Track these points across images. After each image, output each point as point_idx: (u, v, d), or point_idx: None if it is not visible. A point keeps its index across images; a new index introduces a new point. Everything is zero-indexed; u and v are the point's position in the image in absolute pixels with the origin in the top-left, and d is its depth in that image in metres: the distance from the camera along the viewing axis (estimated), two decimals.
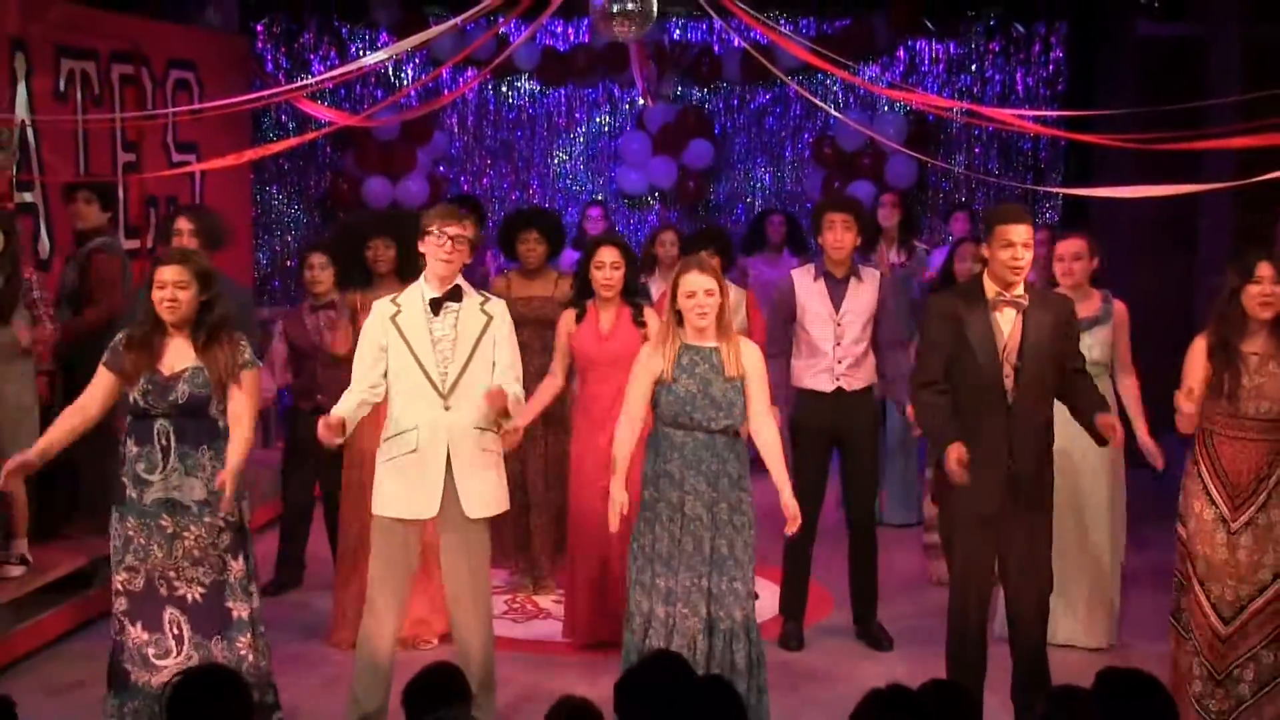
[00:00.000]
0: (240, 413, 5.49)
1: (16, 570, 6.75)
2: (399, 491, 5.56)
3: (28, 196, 8.25)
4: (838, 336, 6.76)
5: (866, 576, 6.94)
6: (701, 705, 3.96)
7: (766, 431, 5.63)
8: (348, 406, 5.52)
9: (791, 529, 5.54)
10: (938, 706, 3.68)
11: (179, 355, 5.49)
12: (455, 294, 5.58)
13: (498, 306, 5.69)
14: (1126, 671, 3.99)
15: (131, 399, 5.46)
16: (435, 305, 5.55)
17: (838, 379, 6.78)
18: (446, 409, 5.51)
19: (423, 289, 5.59)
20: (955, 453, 5.38)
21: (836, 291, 6.78)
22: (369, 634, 5.67)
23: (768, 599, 6.96)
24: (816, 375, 6.78)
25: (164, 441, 5.48)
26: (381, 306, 5.63)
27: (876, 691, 3.64)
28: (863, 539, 6.94)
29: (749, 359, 5.63)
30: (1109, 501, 6.68)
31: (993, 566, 5.75)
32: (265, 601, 5.84)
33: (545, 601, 7.47)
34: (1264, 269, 5.51)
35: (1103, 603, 6.70)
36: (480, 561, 5.69)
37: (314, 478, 7.50)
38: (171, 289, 5.44)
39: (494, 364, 5.58)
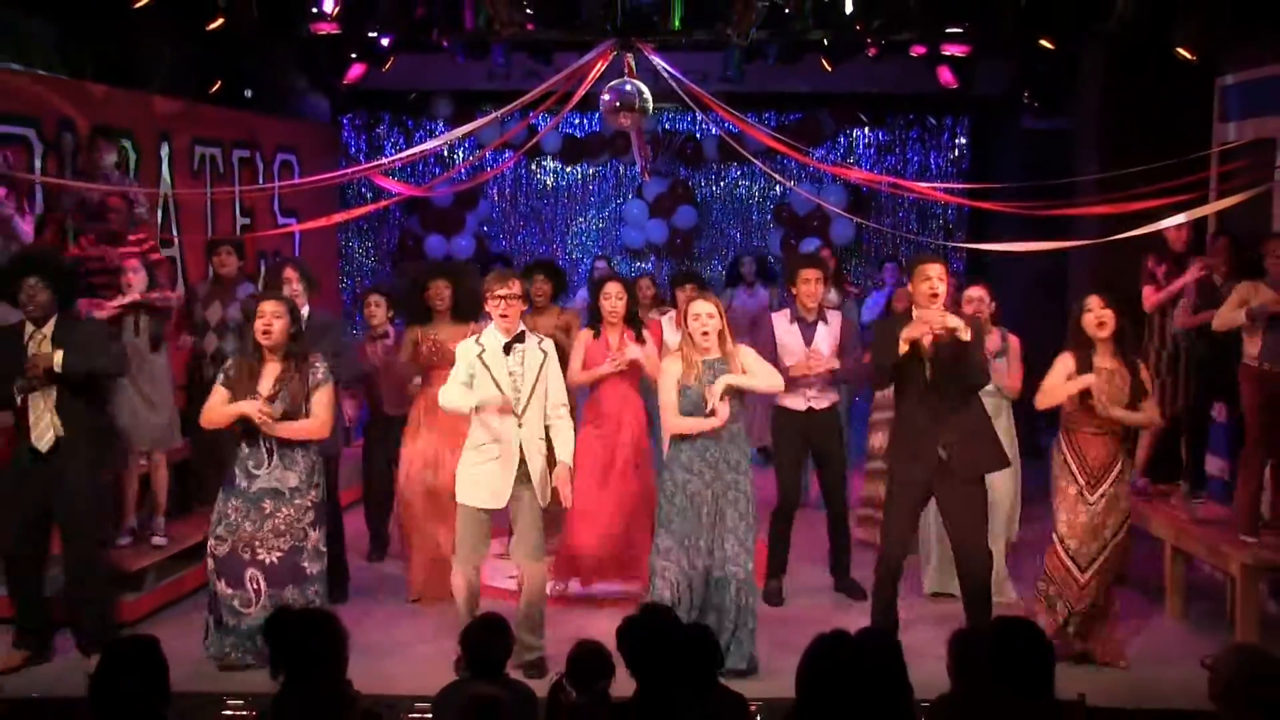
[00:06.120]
0: (318, 412, 5.63)
1: (161, 540, 6.77)
2: (482, 488, 5.62)
3: (167, 252, 8.33)
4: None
5: (841, 549, 6.99)
6: (686, 645, 3.98)
7: (774, 377, 5.74)
8: (463, 394, 5.57)
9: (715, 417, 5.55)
10: (870, 646, 3.71)
11: (272, 378, 5.58)
12: (520, 337, 5.64)
13: (549, 344, 5.76)
14: (1016, 619, 4.02)
15: None
16: (507, 348, 5.60)
17: (809, 400, 6.73)
18: (520, 425, 5.59)
19: (495, 334, 5.63)
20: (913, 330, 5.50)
21: (808, 331, 6.72)
22: (458, 586, 5.71)
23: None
24: (792, 397, 6.70)
25: (268, 445, 5.58)
26: (467, 345, 5.67)
27: (822, 636, 3.65)
28: (838, 523, 6.96)
29: (747, 359, 5.67)
30: (1009, 484, 6.69)
31: (911, 528, 5.78)
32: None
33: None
34: (1093, 301, 5.70)
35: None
36: (540, 529, 5.74)
37: (388, 469, 7.47)
38: (269, 317, 5.54)
39: (548, 392, 5.65)
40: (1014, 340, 6.71)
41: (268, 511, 5.58)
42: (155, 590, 6.56)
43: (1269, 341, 6.28)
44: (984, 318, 6.54)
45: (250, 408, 5.49)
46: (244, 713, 4.99)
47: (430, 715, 4.40)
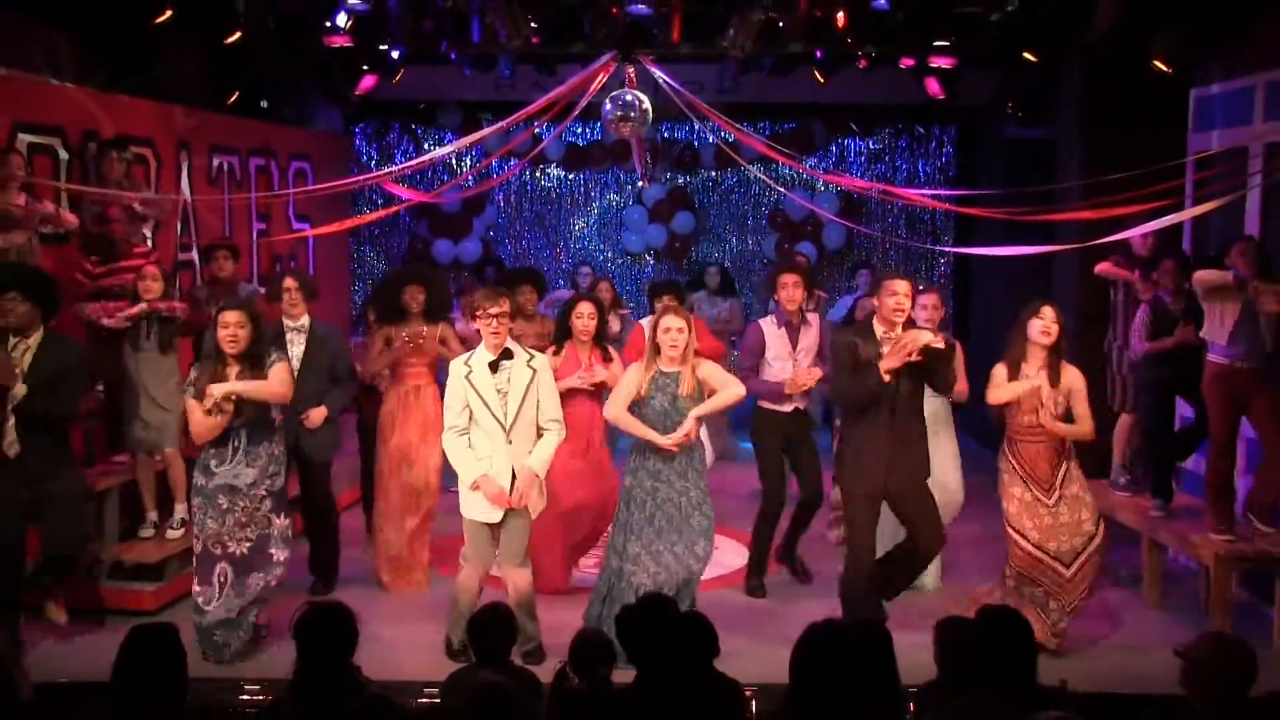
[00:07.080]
0: (277, 375, 5.65)
1: (177, 533, 6.74)
2: (475, 501, 5.60)
3: (185, 256, 8.33)
4: (795, 369, 6.67)
5: (800, 531, 7.01)
6: (683, 633, 3.99)
7: (734, 388, 5.70)
8: (471, 462, 5.51)
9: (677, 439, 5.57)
10: (861, 637, 3.72)
11: (232, 378, 5.57)
12: (507, 354, 5.57)
13: (540, 361, 5.68)
14: (1000, 609, 4.04)
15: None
16: (493, 366, 5.54)
17: (794, 402, 6.70)
18: (509, 443, 5.53)
19: (483, 353, 5.57)
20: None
21: (794, 335, 6.70)
22: (462, 589, 5.71)
23: (736, 556, 7.02)
24: (780, 400, 6.69)
25: (236, 443, 5.59)
26: (457, 367, 5.61)
27: (815, 625, 3.66)
28: (808, 509, 6.94)
29: (703, 370, 5.67)
30: (947, 488, 6.70)
31: (875, 529, 5.77)
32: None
33: None
34: (1047, 310, 5.70)
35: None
36: (525, 536, 5.70)
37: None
38: (233, 328, 5.54)
39: (538, 404, 5.58)
40: (957, 346, 6.75)
41: (225, 507, 5.60)
42: (175, 580, 6.56)
43: (1239, 338, 6.25)
44: (934, 324, 6.55)
45: (208, 404, 5.50)
46: (260, 697, 5.01)
47: (437, 701, 4.41)
